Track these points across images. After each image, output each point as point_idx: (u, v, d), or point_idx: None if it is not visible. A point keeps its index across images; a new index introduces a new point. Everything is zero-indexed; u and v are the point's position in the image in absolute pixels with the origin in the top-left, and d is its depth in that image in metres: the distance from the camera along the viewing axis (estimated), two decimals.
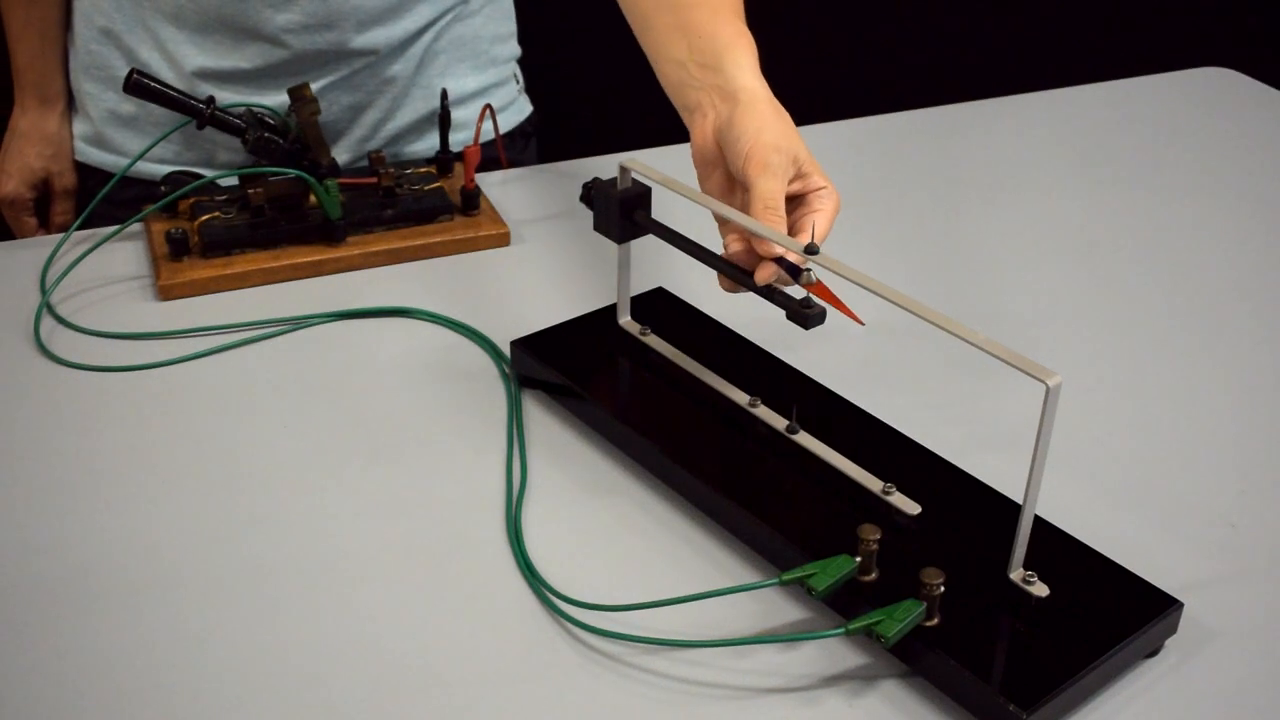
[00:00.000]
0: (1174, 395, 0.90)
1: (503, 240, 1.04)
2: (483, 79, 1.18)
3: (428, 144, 1.17)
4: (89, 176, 1.15)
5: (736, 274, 0.76)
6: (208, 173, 1.08)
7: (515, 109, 1.24)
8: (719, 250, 0.78)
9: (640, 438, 0.79)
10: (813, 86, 2.11)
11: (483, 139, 1.11)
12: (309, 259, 0.99)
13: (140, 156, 1.04)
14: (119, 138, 1.12)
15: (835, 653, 0.68)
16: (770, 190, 0.76)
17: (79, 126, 1.14)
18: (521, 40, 1.26)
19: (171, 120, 1.07)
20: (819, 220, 0.77)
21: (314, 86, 1.07)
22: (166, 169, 1.06)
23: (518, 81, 1.25)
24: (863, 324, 0.71)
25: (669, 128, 1.11)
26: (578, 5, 1.87)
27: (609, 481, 0.80)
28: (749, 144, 0.78)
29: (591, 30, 1.48)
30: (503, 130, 1.20)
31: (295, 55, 1.06)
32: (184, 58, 1.06)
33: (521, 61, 1.27)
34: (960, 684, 0.64)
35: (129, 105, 1.10)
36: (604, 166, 1.13)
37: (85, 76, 1.11)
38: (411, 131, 1.16)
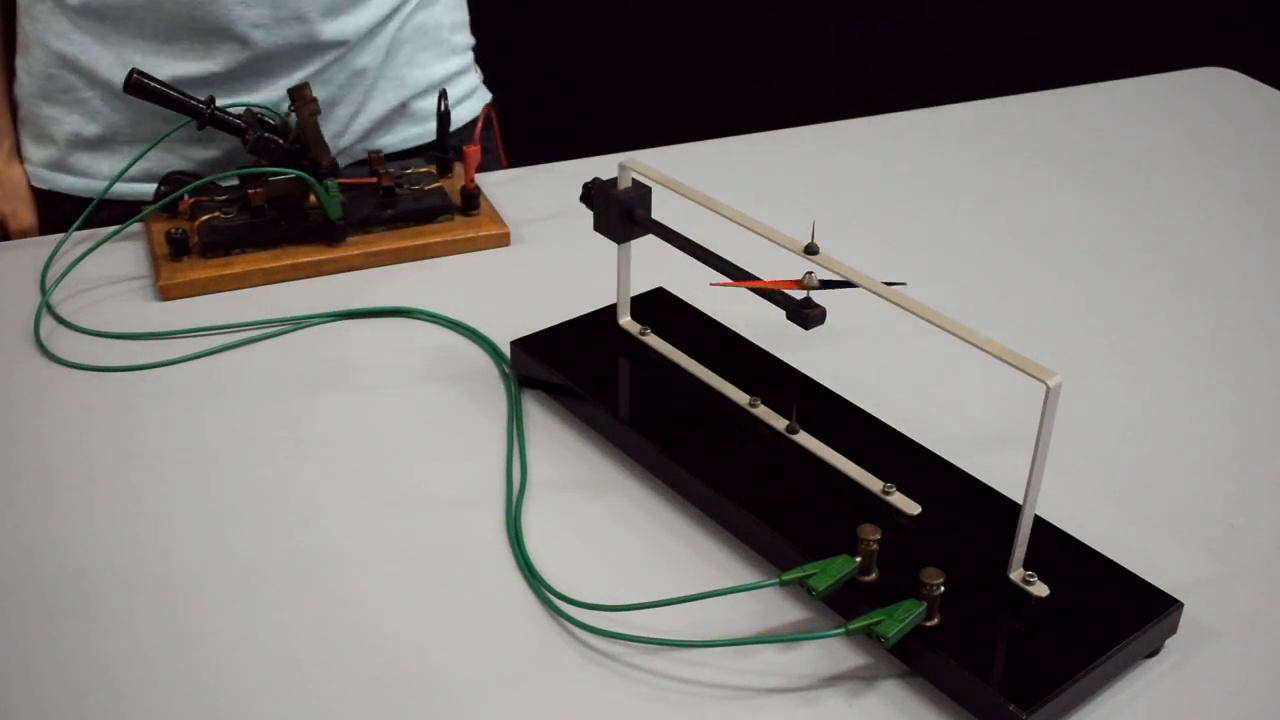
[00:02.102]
0: (1174, 395, 0.90)
1: (503, 240, 1.04)
2: (447, 67, 1.19)
3: (398, 137, 1.17)
4: (58, 202, 1.12)
5: (737, 275, 0.76)
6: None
7: (478, 96, 1.25)
8: (718, 249, 0.78)
9: (640, 438, 0.79)
10: (813, 86, 2.11)
11: (480, 139, 1.12)
12: (309, 259, 0.99)
13: (135, 162, 1.04)
14: (85, 161, 1.10)
15: (835, 653, 0.68)
16: None
17: (40, 153, 1.11)
18: (524, 40, 1.26)
19: (144, 136, 1.06)
20: None
21: (286, 84, 1.07)
22: (140, 187, 1.05)
23: (477, 71, 1.26)
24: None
25: (669, 128, 1.12)
26: (580, 5, 1.88)
27: (609, 481, 0.80)
28: None
29: (592, 30, 1.48)
30: (468, 119, 1.22)
31: (265, 52, 1.06)
32: (151, 69, 1.04)
33: (524, 61, 1.27)
34: (960, 684, 0.64)
35: (94, 127, 1.08)
36: (604, 166, 1.13)
37: (46, 102, 1.08)
38: (381, 125, 1.16)
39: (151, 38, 1.04)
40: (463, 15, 1.23)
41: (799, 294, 0.73)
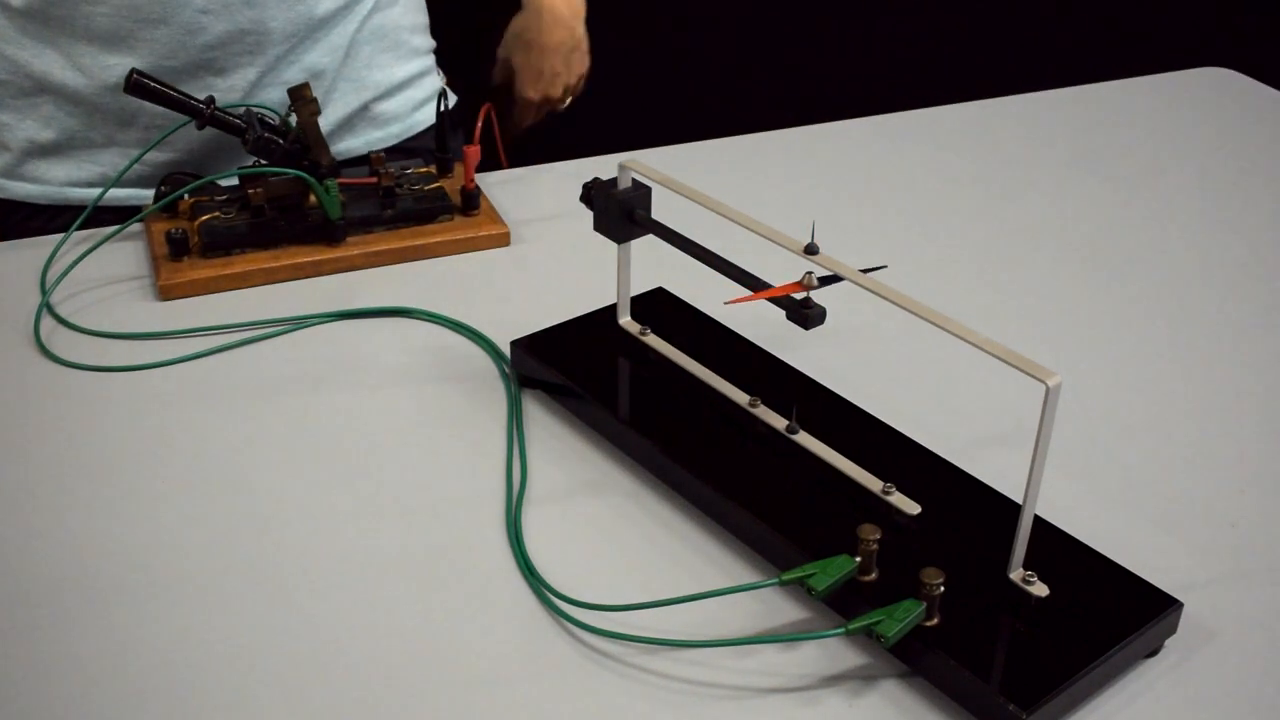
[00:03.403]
0: (1174, 395, 0.90)
1: (503, 240, 1.04)
2: (408, 69, 1.19)
3: (360, 140, 1.17)
4: (11, 212, 1.11)
5: (737, 275, 0.76)
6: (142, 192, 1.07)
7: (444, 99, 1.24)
8: (718, 249, 0.78)
9: (640, 438, 0.79)
10: (813, 86, 2.11)
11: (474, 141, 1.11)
12: (309, 259, 0.99)
13: (132, 164, 1.04)
14: (41, 168, 1.09)
15: (835, 653, 0.68)
16: None
17: None
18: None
19: (99, 141, 1.06)
20: None
21: (242, 84, 1.06)
22: (94, 192, 1.05)
23: (440, 74, 1.26)
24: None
25: (669, 128, 1.12)
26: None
27: (609, 481, 0.80)
28: None
29: (592, 30, 1.48)
30: (430, 120, 1.21)
31: (216, 40, 1.05)
32: (102, 70, 1.04)
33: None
34: (960, 684, 0.64)
35: (49, 133, 1.07)
36: (604, 166, 1.13)
37: None
38: (343, 127, 1.16)
39: (97, 37, 1.03)
40: (423, 18, 1.23)
41: (799, 294, 0.73)
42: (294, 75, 1.10)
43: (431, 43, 1.25)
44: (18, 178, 1.10)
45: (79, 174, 1.09)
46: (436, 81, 1.25)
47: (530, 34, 1.30)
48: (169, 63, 1.05)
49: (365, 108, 1.16)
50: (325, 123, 1.14)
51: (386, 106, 1.18)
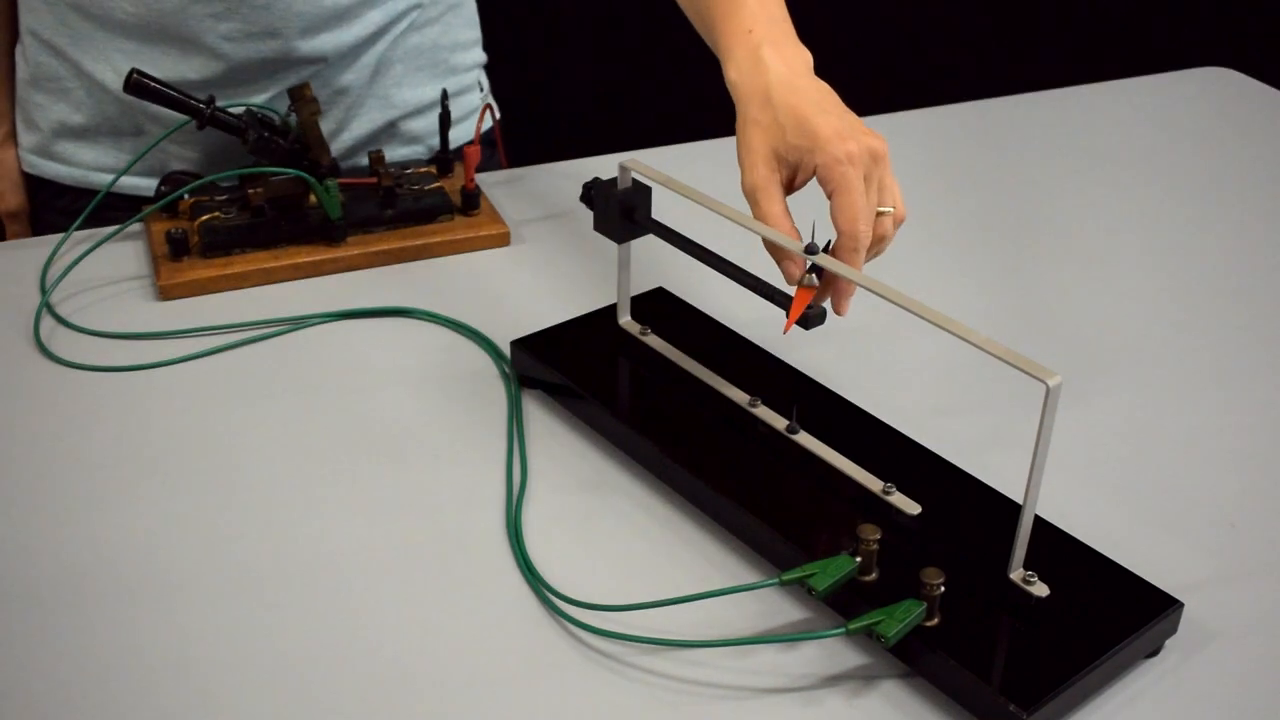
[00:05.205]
0: (1174, 395, 0.90)
1: (503, 240, 1.04)
2: (440, 88, 1.15)
3: (387, 156, 1.15)
4: (40, 188, 1.13)
5: (737, 275, 0.76)
6: (143, 180, 1.07)
7: (475, 119, 1.21)
8: (718, 249, 0.78)
9: (640, 437, 0.79)
10: None
11: (481, 138, 1.10)
12: (309, 259, 0.99)
13: (137, 160, 1.04)
14: (70, 149, 1.09)
15: (835, 653, 0.68)
16: (761, 215, 0.77)
17: (28, 138, 1.11)
18: (523, 39, 1.25)
19: (127, 130, 1.06)
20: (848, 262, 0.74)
21: (263, 97, 1.06)
22: (136, 181, 1.05)
23: (482, 89, 1.23)
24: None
25: (669, 128, 1.12)
26: (580, 7, 1.88)
27: (609, 481, 0.80)
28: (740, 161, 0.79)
29: (593, 30, 1.48)
30: (464, 139, 1.18)
31: (239, 64, 1.04)
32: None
33: (524, 61, 1.26)
34: (960, 684, 0.64)
35: (78, 117, 1.08)
36: (604, 166, 1.13)
37: (34, 88, 1.08)
38: (368, 143, 1.13)
39: (132, 38, 1.04)
40: (471, 34, 1.19)
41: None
42: (319, 91, 1.08)
43: (479, 58, 1.21)
44: (49, 157, 1.11)
45: (105, 159, 1.09)
46: (476, 100, 1.20)
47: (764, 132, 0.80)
48: (193, 76, 1.04)
49: (393, 125, 1.14)
50: (348, 137, 1.12)
51: (415, 125, 1.15)
